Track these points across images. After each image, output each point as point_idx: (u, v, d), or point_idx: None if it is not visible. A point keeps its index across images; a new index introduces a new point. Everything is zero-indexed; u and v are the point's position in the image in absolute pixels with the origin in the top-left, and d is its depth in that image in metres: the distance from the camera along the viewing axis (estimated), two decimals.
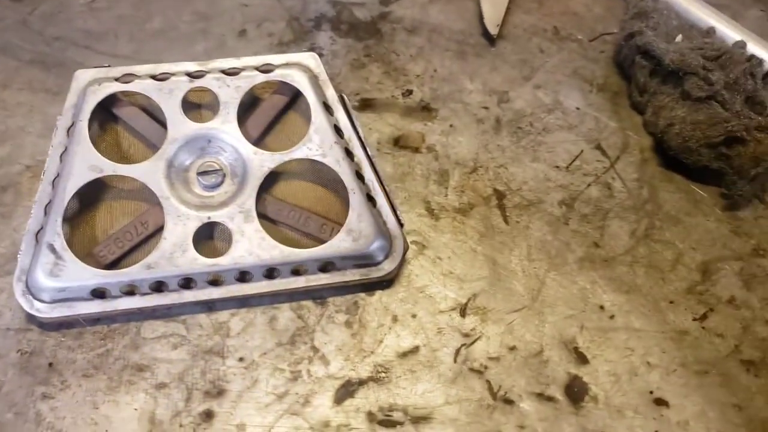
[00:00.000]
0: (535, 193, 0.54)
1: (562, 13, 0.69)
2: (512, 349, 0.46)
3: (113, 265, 0.45)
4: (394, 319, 0.47)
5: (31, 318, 0.44)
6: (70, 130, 0.46)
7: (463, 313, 0.47)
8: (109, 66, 0.49)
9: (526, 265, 0.50)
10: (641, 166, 0.57)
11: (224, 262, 0.44)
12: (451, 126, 0.58)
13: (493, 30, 0.65)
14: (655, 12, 0.62)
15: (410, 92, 0.61)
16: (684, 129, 0.55)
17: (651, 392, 0.45)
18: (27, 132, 0.55)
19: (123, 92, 0.48)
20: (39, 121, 0.56)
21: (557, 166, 0.56)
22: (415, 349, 0.45)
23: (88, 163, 0.45)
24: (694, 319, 0.48)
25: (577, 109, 0.61)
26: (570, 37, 0.67)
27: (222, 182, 0.47)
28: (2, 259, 0.47)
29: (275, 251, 0.45)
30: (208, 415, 0.42)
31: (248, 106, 0.49)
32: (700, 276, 0.51)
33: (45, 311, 0.43)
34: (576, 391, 0.44)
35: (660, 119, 0.57)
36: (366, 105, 0.59)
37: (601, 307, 0.49)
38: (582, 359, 0.46)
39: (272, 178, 0.48)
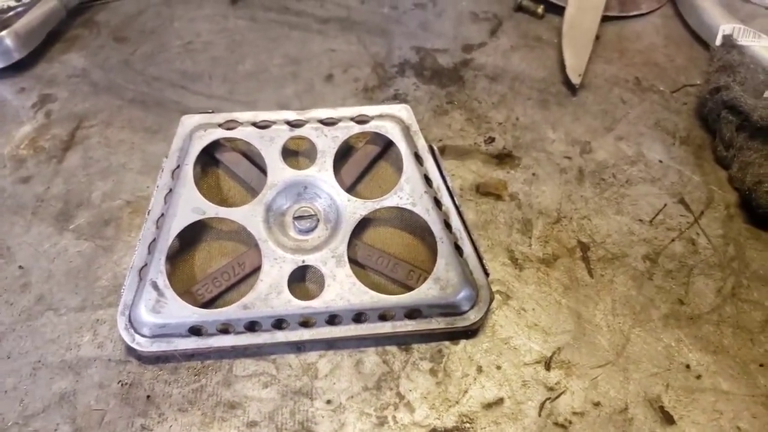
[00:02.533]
0: (619, 247, 0.54)
1: (643, 63, 0.70)
2: (597, 404, 0.46)
3: (210, 303, 0.47)
4: (479, 369, 0.47)
5: (130, 351, 0.46)
6: (175, 173, 0.49)
7: (547, 366, 0.47)
8: (212, 112, 0.51)
9: (611, 320, 0.50)
10: (727, 223, 0.56)
11: (316, 304, 0.46)
12: (533, 174, 0.59)
13: (575, 79, 0.66)
14: (741, 66, 0.62)
15: (492, 140, 0.62)
16: None
17: None
18: (128, 169, 0.58)
19: (225, 138, 0.50)
20: (139, 158, 0.59)
21: (641, 220, 0.56)
22: (499, 401, 0.46)
23: (191, 205, 0.47)
24: None
25: (660, 161, 0.61)
26: (652, 89, 0.67)
27: (316, 227, 0.49)
28: (105, 291, 0.50)
29: (365, 296, 0.46)
30: None
31: (342, 154, 0.51)
32: None
33: (145, 345, 0.45)
34: None
35: (747, 176, 0.56)
36: (448, 151, 0.61)
37: (687, 367, 0.48)
38: (668, 419, 0.45)
39: (363, 224, 0.49)
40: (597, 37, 0.72)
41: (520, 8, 0.75)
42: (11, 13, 0.65)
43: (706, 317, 0.51)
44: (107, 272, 0.51)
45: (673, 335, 0.49)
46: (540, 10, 0.74)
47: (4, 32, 0.63)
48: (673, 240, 0.55)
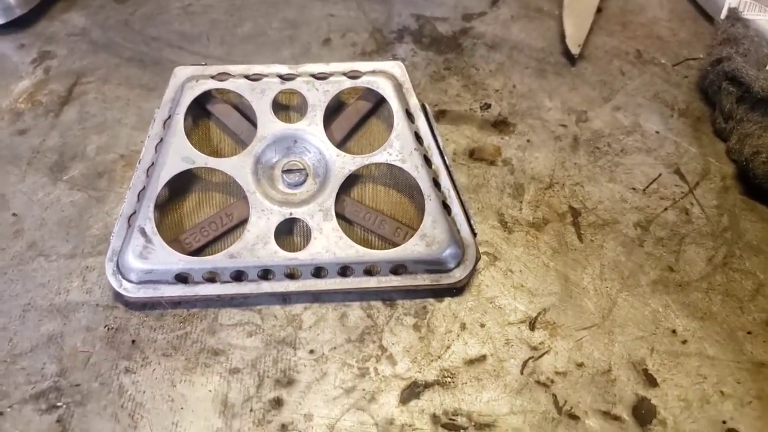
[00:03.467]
0: (610, 213, 0.54)
1: (646, 36, 0.69)
2: (580, 365, 0.46)
3: (197, 252, 0.47)
4: (463, 326, 0.47)
5: (118, 296, 0.47)
6: (166, 123, 0.49)
7: (532, 326, 0.47)
8: (205, 64, 0.51)
9: (598, 284, 0.50)
10: (722, 194, 0.56)
11: (302, 256, 0.46)
12: (528, 141, 0.58)
13: (574, 50, 0.65)
14: (745, 38, 0.61)
15: (488, 106, 0.61)
16: None
17: (724, 422, 0.43)
18: (123, 124, 0.59)
19: (217, 90, 0.50)
20: (134, 114, 0.60)
21: (634, 188, 0.56)
22: (482, 358, 0.46)
23: (181, 154, 0.47)
24: None
25: (657, 132, 0.60)
26: (653, 61, 0.67)
27: (305, 181, 0.49)
28: (95, 240, 0.51)
29: (351, 250, 0.46)
30: (277, 403, 0.43)
31: (333, 109, 0.51)
32: None
33: (132, 291, 0.46)
34: (644, 413, 0.44)
35: (745, 147, 0.56)
36: (444, 116, 0.60)
37: (674, 332, 0.48)
38: (651, 381, 0.45)
39: (351, 180, 0.49)
40: (599, 10, 0.71)
41: None
42: None
43: (696, 285, 0.50)
44: (98, 222, 0.52)
45: (660, 301, 0.49)
46: None
47: None
48: (666, 209, 0.55)
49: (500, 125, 0.60)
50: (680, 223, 0.54)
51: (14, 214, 0.52)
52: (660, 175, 0.57)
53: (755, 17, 0.65)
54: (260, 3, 0.71)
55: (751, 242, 0.53)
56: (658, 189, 0.56)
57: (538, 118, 0.61)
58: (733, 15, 0.65)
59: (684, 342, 0.47)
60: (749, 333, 0.48)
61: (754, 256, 0.52)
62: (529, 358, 0.46)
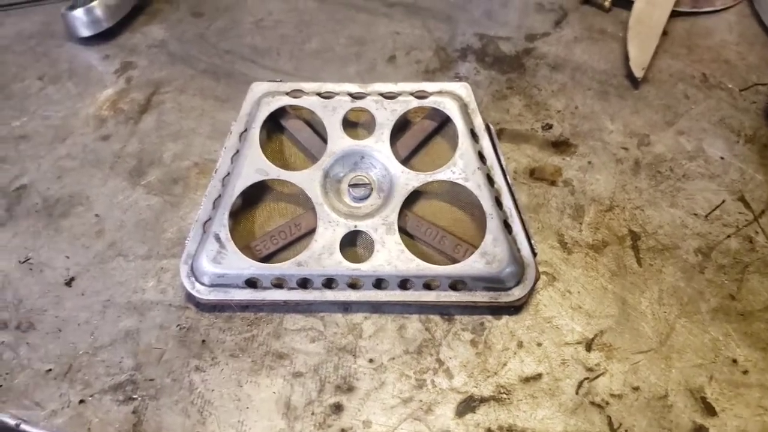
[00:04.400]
0: (670, 238, 0.54)
1: (712, 60, 0.68)
2: (636, 389, 0.46)
3: (266, 259, 0.50)
4: (520, 344, 0.48)
5: (190, 297, 0.50)
6: (242, 135, 0.52)
7: (588, 347, 0.48)
8: (280, 81, 0.54)
9: (656, 309, 0.50)
10: None
11: (365, 268, 0.47)
12: (589, 163, 0.59)
13: (638, 73, 0.65)
14: None
15: (550, 126, 0.62)
16: None
17: None
18: (197, 133, 0.62)
19: (291, 106, 0.53)
20: (208, 124, 0.63)
21: (695, 214, 0.56)
22: (537, 376, 0.46)
23: (255, 166, 0.50)
24: None
25: (722, 158, 0.60)
26: (719, 86, 0.66)
27: (370, 195, 0.51)
28: (169, 242, 0.53)
29: (411, 264, 0.48)
30: (337, 408, 0.45)
31: (400, 127, 0.53)
32: None
33: (204, 293, 0.48)
34: None
35: None
36: (505, 135, 0.61)
37: (734, 361, 0.47)
38: (709, 410, 0.45)
39: (415, 196, 0.51)
40: (665, 33, 0.71)
41: (587, 1, 0.75)
42: None
43: (759, 315, 0.50)
44: (173, 226, 0.55)
45: (720, 329, 0.49)
46: (607, 3, 0.74)
47: (95, 2, 0.68)
48: (728, 236, 0.54)
49: (561, 146, 0.61)
50: (744, 251, 0.53)
51: (97, 215, 0.55)
52: (723, 201, 0.57)
53: None
54: (328, 20, 0.74)
55: None
56: (721, 216, 0.56)
57: (599, 140, 0.61)
58: None
59: (745, 372, 0.47)
60: None
61: None
62: (585, 379, 0.46)
